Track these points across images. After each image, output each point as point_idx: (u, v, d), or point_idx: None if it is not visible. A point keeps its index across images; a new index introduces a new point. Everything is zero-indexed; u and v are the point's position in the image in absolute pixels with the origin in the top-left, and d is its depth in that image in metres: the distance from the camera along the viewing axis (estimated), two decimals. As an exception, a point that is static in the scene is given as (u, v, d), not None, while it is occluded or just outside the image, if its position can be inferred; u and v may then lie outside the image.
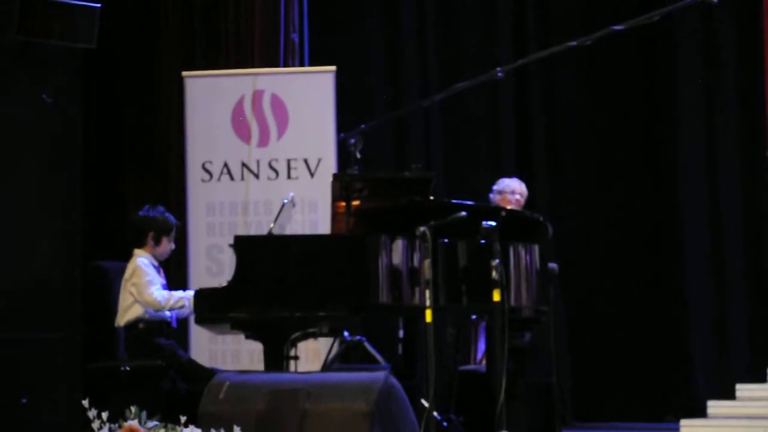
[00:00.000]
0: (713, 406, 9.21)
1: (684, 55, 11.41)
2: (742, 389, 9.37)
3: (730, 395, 9.35)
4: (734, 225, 11.18)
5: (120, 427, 5.55)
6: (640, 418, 10.79)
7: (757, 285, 11.07)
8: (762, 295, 11.05)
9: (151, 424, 5.43)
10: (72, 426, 5.87)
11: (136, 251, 8.47)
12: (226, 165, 9.69)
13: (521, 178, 9.78)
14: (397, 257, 7.30)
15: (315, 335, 8.31)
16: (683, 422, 8.92)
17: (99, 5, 9.63)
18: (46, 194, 9.72)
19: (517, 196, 8.74)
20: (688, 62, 11.40)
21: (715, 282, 11.19)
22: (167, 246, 8.57)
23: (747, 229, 11.15)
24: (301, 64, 10.57)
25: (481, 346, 8.67)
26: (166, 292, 8.41)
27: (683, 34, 11.26)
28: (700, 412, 9.28)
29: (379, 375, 6.08)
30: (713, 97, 11.35)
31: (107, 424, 5.60)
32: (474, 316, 8.38)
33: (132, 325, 8.33)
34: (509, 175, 9.37)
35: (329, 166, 9.46)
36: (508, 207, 8.35)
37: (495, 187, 8.77)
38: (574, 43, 8.82)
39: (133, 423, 5.37)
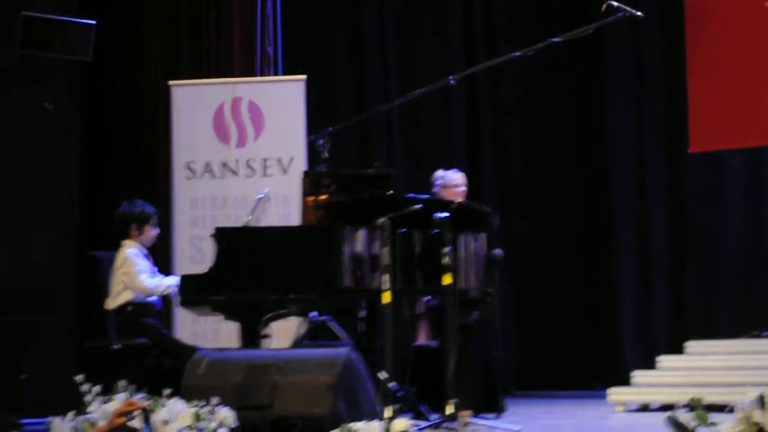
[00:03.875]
0: (637, 375, 9.28)
1: (615, 64, 11.44)
2: (662, 361, 9.43)
3: (651, 366, 9.42)
4: (659, 215, 11.23)
5: (110, 400, 5.55)
6: (573, 387, 10.82)
7: (676, 270, 11.13)
8: (681, 278, 11.11)
9: (138, 396, 5.42)
10: (67, 399, 5.83)
11: (124, 242, 8.47)
12: (208, 164, 9.68)
13: (470, 173, 9.78)
14: (360, 245, 7.30)
15: (286, 316, 8.28)
16: (610, 390, 8.97)
17: (94, 22, 9.63)
18: (46, 191, 9.73)
19: (462, 188, 8.73)
20: (619, 70, 11.44)
21: (640, 267, 11.24)
22: (151, 232, 8.58)
23: (670, 219, 11.21)
24: (275, 74, 10.55)
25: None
26: (156, 279, 8.42)
27: (614, 45, 11.30)
28: (626, 381, 9.34)
29: (342, 351, 6.10)
30: (641, 100, 11.40)
31: (98, 397, 5.59)
32: (426, 299, 8.37)
33: (121, 308, 8.33)
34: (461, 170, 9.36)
35: (300, 164, 9.47)
36: (454, 199, 8.33)
37: (439, 182, 8.74)
38: (517, 53, 8.80)
39: (132, 398, 5.36)
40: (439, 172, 8.86)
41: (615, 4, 8.36)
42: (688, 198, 11.16)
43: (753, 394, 3.88)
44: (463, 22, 11.80)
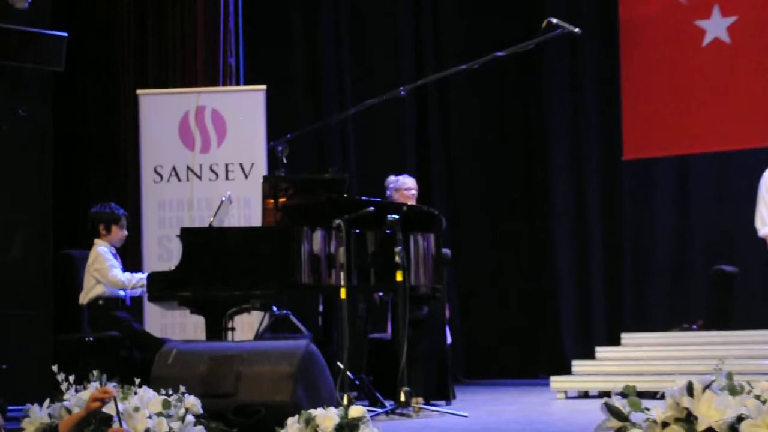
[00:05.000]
0: (577, 365, 9.33)
1: (554, 76, 11.54)
2: (600, 351, 9.50)
3: (590, 356, 9.48)
4: (595, 215, 11.33)
5: (84, 388, 5.54)
6: (518, 376, 10.91)
7: (612, 269, 11.22)
8: (616, 276, 11.20)
9: (110, 385, 5.41)
10: (44, 388, 5.82)
11: (96, 241, 8.45)
12: (174, 168, 9.65)
13: (419, 177, 9.82)
14: (317, 245, 7.30)
15: (249, 310, 8.28)
16: (552, 378, 9.03)
17: (66, 34, 9.57)
18: (22, 192, 9.68)
19: (413, 191, 8.74)
20: (558, 82, 11.53)
21: (579, 266, 11.34)
22: (119, 233, 8.53)
23: (605, 218, 11.31)
24: (237, 84, 10.53)
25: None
26: (128, 274, 8.39)
27: (554, 58, 11.38)
28: (566, 371, 9.41)
29: (301, 343, 6.09)
30: (578, 110, 11.49)
31: (73, 386, 5.58)
32: (380, 294, 8.39)
33: (93, 302, 8.30)
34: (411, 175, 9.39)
35: (260, 169, 9.46)
36: (406, 202, 8.36)
37: (392, 185, 8.75)
38: (463, 66, 8.84)
39: (108, 386, 5.35)
40: (392, 177, 8.88)
41: (554, 21, 8.42)
42: (621, 201, 11.26)
43: (682, 382, 3.93)
44: (414, 36, 11.87)
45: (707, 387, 3.90)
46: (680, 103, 10.66)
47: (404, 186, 8.73)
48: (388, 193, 8.72)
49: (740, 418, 3.81)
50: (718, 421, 3.82)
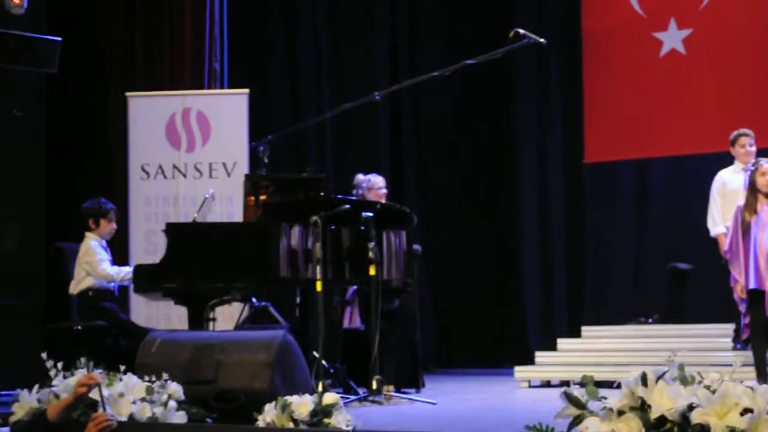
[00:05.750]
0: (540, 356, 9.37)
1: (521, 83, 11.57)
2: (561, 343, 9.53)
3: (552, 348, 9.50)
4: (558, 215, 11.37)
5: (72, 375, 5.51)
6: (485, 365, 10.92)
7: (574, 266, 11.25)
8: (578, 273, 11.23)
9: (97, 372, 5.38)
10: (33, 374, 5.79)
11: (87, 234, 8.39)
12: (160, 167, 9.63)
13: (392, 177, 9.82)
14: (295, 241, 7.27)
15: (229, 302, 8.26)
16: (516, 368, 9.05)
17: (60, 39, 9.52)
18: (16, 188, 9.63)
19: (383, 190, 8.73)
20: (525, 89, 11.55)
21: (543, 262, 11.37)
22: (108, 227, 8.45)
23: (568, 217, 11.34)
24: (222, 87, 10.52)
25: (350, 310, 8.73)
26: (117, 268, 8.35)
27: (521, 67, 11.40)
28: (530, 361, 9.43)
29: (279, 333, 6.07)
30: (544, 115, 11.51)
31: (61, 372, 5.56)
32: (355, 287, 8.38)
33: (83, 293, 8.24)
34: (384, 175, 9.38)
35: (242, 168, 9.44)
36: (377, 200, 8.34)
37: (364, 185, 8.73)
38: (435, 73, 8.85)
39: (94, 373, 5.32)
40: (361, 176, 8.83)
41: (521, 31, 8.44)
42: (583, 202, 11.29)
43: (637, 372, 3.93)
44: (389, 44, 11.87)
45: (660, 377, 3.90)
46: (639, 110, 10.70)
47: (376, 185, 8.72)
48: (360, 191, 8.69)
49: (691, 407, 3.81)
50: (671, 410, 3.82)
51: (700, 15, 10.55)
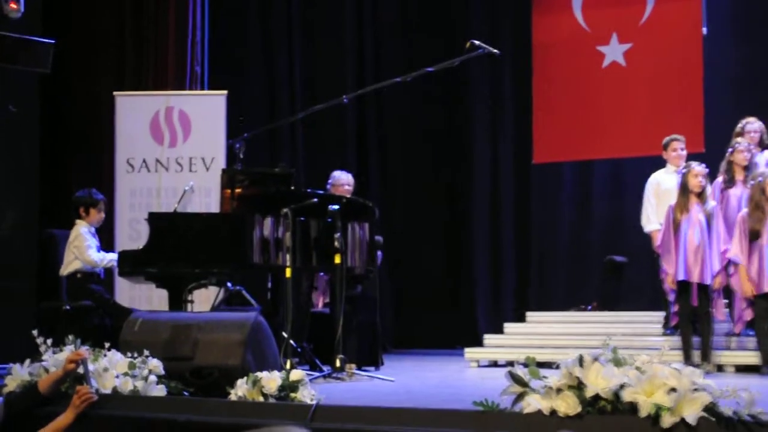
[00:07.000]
0: (488, 338, 9.39)
1: (476, 90, 11.60)
2: (508, 327, 9.57)
3: (499, 331, 9.54)
4: (508, 208, 11.42)
5: (61, 351, 5.50)
6: (438, 346, 10.92)
7: (521, 256, 11.30)
8: (524, 263, 11.28)
9: (83, 348, 5.38)
10: (26, 349, 5.77)
11: (77, 221, 8.36)
12: (144, 161, 9.59)
13: (358, 174, 9.82)
14: (267, 230, 7.25)
15: (206, 285, 8.22)
16: (467, 350, 9.08)
17: (53, 41, 9.47)
18: (12, 179, 9.59)
19: (347, 186, 8.71)
20: (479, 95, 11.59)
21: (492, 253, 11.40)
22: (97, 215, 8.43)
23: (516, 211, 11.39)
24: (202, 88, 10.47)
25: (320, 295, 8.72)
26: (102, 254, 8.31)
27: (476, 74, 11.43)
28: (479, 343, 9.46)
29: (251, 314, 6.05)
30: (496, 119, 11.55)
31: (51, 348, 5.54)
32: (321, 273, 8.38)
33: (72, 275, 8.21)
34: (350, 172, 9.38)
35: (220, 163, 9.42)
36: (343, 195, 8.33)
37: (330, 181, 8.73)
38: (398, 79, 8.84)
39: (81, 349, 5.32)
40: (334, 174, 8.86)
41: (477, 42, 8.44)
42: (530, 199, 11.34)
43: (575, 354, 3.97)
44: (356, 52, 11.87)
45: (596, 359, 3.95)
46: (582, 116, 10.77)
47: (339, 182, 8.71)
48: (328, 187, 8.69)
49: (623, 386, 3.85)
50: (605, 389, 3.87)
51: (639, 31, 10.63)
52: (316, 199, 7.30)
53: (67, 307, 8.13)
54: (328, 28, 11.90)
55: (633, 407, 3.82)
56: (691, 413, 3.70)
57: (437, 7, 11.78)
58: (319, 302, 8.67)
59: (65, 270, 8.26)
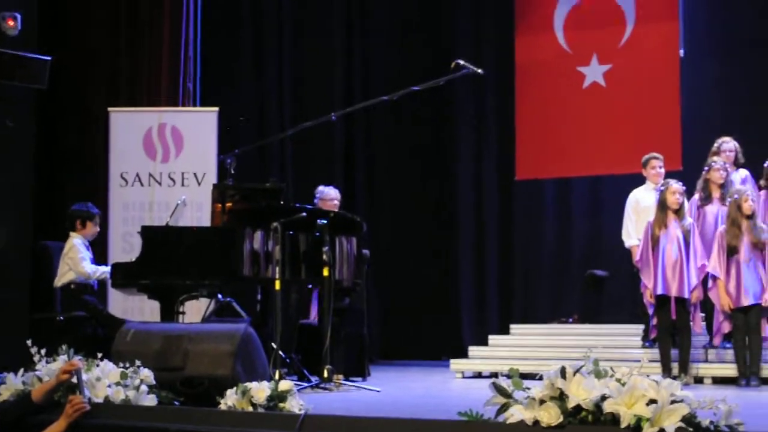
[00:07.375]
0: (473, 350, 9.40)
1: (461, 108, 11.61)
2: (492, 339, 9.58)
3: (484, 343, 9.54)
4: (492, 223, 11.42)
5: (54, 360, 5.47)
6: (424, 357, 10.92)
7: (504, 271, 11.30)
8: (508, 277, 11.28)
9: (77, 358, 5.35)
10: (20, 360, 5.73)
11: (72, 234, 8.34)
12: (137, 175, 9.58)
13: (346, 189, 9.81)
14: (257, 244, 7.24)
15: (197, 297, 8.22)
16: (452, 361, 9.08)
17: (50, 58, 9.46)
18: (7, 192, 9.55)
19: (335, 201, 8.70)
20: (464, 113, 11.60)
21: (477, 268, 11.40)
22: (92, 229, 8.44)
23: (500, 226, 11.39)
24: (194, 105, 10.47)
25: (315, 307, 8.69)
26: (94, 266, 8.29)
27: (461, 93, 11.45)
28: (464, 354, 9.45)
29: (241, 326, 6.03)
30: (481, 137, 11.56)
31: (44, 358, 5.51)
32: (309, 286, 8.36)
33: (65, 286, 8.19)
34: (337, 187, 9.37)
35: (211, 178, 9.42)
36: (330, 210, 8.32)
37: (318, 195, 8.73)
38: (385, 97, 8.86)
39: (74, 359, 5.28)
40: (320, 188, 8.85)
41: (461, 62, 8.46)
42: (513, 214, 11.34)
43: (557, 366, 3.96)
44: (345, 70, 11.88)
45: (577, 371, 3.94)
46: (563, 134, 10.81)
47: (327, 196, 8.71)
48: (315, 201, 8.69)
49: (604, 397, 3.85)
50: (586, 400, 3.86)
51: (618, 52, 10.67)
52: (305, 214, 7.28)
53: (61, 318, 8.11)
54: (318, 47, 11.90)
55: (614, 418, 3.81)
56: (670, 424, 3.70)
57: (422, 34, 11.78)
58: (314, 314, 8.65)
59: (59, 281, 8.23)
